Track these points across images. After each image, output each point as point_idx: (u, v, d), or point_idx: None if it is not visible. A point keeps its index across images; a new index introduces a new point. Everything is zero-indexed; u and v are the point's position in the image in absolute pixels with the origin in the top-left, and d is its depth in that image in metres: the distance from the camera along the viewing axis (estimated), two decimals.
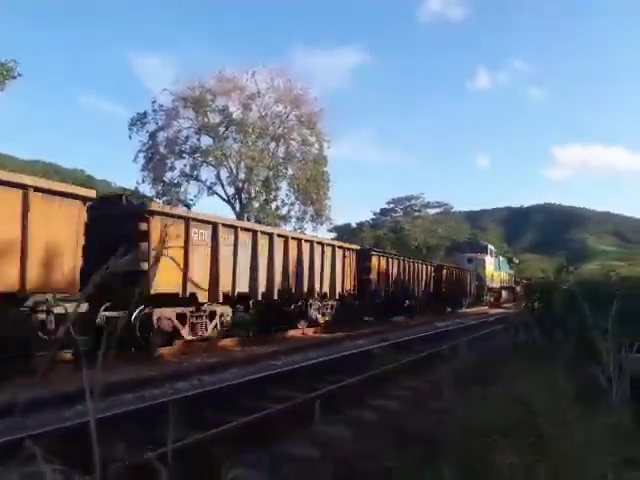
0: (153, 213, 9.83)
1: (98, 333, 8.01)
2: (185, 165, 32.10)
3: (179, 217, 10.50)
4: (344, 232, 57.36)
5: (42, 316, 7.47)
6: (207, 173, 32.65)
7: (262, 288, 12.61)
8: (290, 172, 32.71)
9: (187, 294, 10.31)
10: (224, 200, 32.94)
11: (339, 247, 16.98)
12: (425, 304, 25.10)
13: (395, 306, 21.70)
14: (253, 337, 12.93)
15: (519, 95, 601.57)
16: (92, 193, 8.51)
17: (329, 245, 16.36)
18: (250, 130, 31.31)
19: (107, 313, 8.91)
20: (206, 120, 31.70)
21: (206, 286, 10.85)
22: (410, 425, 4.14)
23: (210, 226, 11.11)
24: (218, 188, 32.81)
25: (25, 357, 6.97)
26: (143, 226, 9.63)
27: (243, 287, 11.97)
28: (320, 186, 32.93)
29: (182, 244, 10.25)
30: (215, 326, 11.31)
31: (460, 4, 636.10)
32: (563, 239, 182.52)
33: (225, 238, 11.43)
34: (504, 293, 42.02)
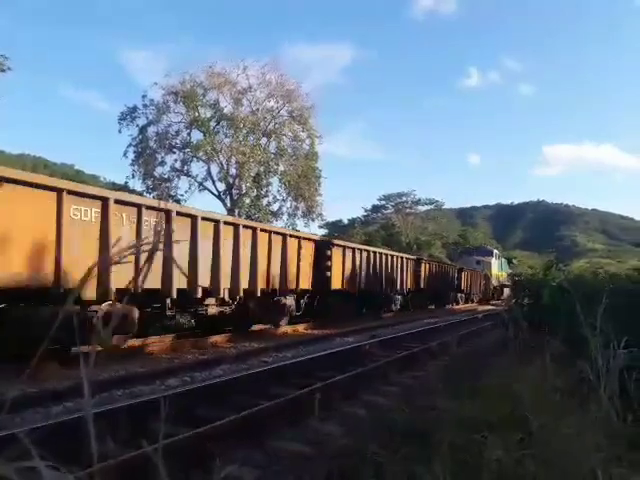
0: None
1: None
2: (175, 160, 32.03)
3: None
4: (336, 228, 57.46)
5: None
6: (198, 168, 32.62)
7: (177, 284, 9.66)
8: (281, 168, 32.70)
9: None
10: (215, 196, 32.86)
11: (292, 236, 14.41)
12: (403, 301, 23.54)
13: (365, 304, 19.92)
14: (244, 333, 12.89)
15: (510, 93, 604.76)
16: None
17: (278, 234, 13.67)
18: (241, 125, 31.24)
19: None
20: (197, 115, 31.57)
21: None
22: (400, 420, 4.16)
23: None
24: (209, 184, 32.76)
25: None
26: None
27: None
28: (311, 182, 32.96)
29: None
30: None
31: (451, 1, 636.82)
32: (552, 236, 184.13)
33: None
34: (506, 290, 42.94)
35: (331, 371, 7.36)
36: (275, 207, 33.56)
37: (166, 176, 32.05)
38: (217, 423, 4.43)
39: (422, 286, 26.12)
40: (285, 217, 33.59)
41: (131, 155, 31.29)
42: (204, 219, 10.57)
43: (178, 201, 30.78)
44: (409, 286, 24.30)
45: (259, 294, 12.36)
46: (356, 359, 8.60)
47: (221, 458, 3.16)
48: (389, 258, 22.02)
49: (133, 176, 31.27)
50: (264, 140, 33.04)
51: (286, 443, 4.47)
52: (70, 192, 7.77)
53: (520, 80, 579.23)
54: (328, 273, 15.87)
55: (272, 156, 32.71)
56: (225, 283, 11.20)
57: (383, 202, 63.61)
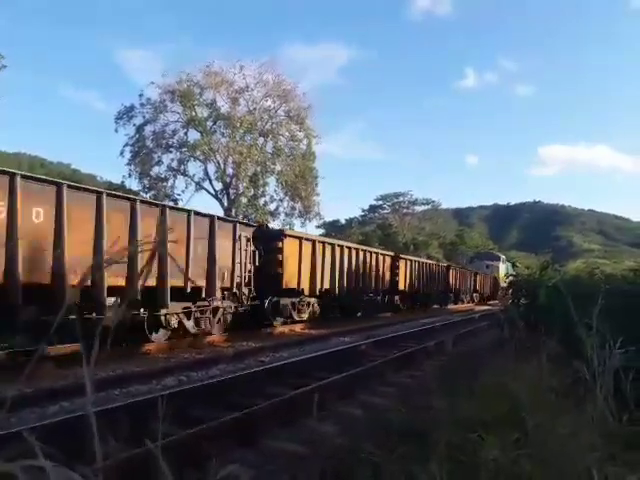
0: None
1: None
2: (172, 159, 32.01)
3: None
4: (333, 228, 57.47)
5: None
6: (195, 168, 32.60)
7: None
8: (278, 168, 32.72)
9: None
10: (212, 195, 32.83)
11: (222, 219, 12.06)
12: (376, 303, 21.73)
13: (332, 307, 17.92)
14: (241, 333, 12.87)
15: (506, 94, 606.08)
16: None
17: (202, 216, 11.13)
18: (238, 125, 31.21)
19: None
20: (194, 114, 31.55)
21: None
22: (396, 420, 4.16)
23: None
24: (206, 183, 32.74)
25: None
26: None
27: None
28: (308, 182, 32.99)
29: None
30: None
31: (448, 1, 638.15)
32: (549, 237, 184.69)
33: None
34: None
35: (327, 371, 7.36)
36: (272, 207, 33.60)
37: (163, 175, 32.06)
38: (212, 423, 4.43)
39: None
40: (282, 217, 33.63)
41: (128, 154, 31.29)
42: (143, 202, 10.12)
43: (175, 201, 30.77)
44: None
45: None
46: (352, 359, 8.61)
47: (217, 458, 3.16)
48: (373, 256, 20.36)
49: (130, 175, 31.27)
50: (261, 140, 33.06)
51: (281, 443, 4.47)
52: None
53: (517, 81, 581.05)
54: (280, 270, 13.93)
55: (269, 156, 32.72)
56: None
57: (380, 202, 63.68)
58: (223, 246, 11.62)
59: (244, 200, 32.17)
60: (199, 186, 32.66)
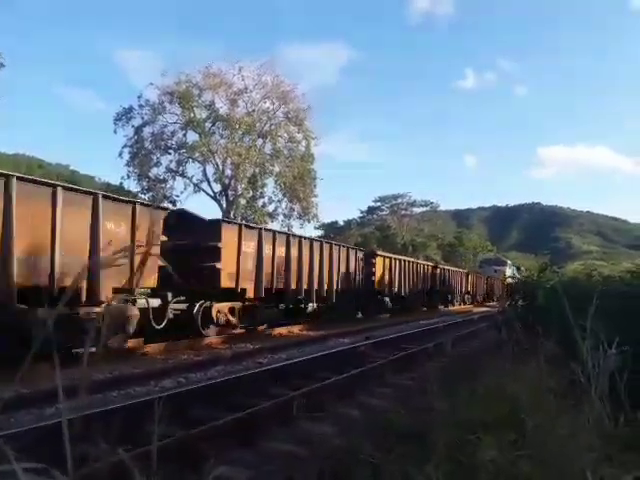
0: None
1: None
2: (171, 161, 32.01)
3: None
4: (331, 230, 57.50)
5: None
6: (193, 169, 32.60)
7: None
8: (277, 169, 32.74)
9: None
10: (210, 197, 32.83)
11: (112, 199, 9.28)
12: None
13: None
14: (240, 335, 12.86)
15: (505, 94, 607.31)
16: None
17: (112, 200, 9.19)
18: (237, 126, 31.25)
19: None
20: (192, 115, 31.56)
21: None
22: (395, 421, 4.17)
23: None
24: (204, 185, 32.75)
25: None
26: None
27: None
28: (307, 184, 33.00)
29: None
30: None
31: (448, 2, 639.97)
32: (548, 238, 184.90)
33: None
34: None
35: (326, 372, 7.35)
36: (271, 208, 33.61)
37: (161, 177, 32.05)
38: (210, 424, 4.43)
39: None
40: (280, 218, 33.64)
41: (126, 156, 31.27)
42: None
43: (174, 202, 30.76)
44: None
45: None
46: (351, 360, 8.60)
47: (215, 458, 3.16)
48: (342, 252, 17.72)
49: (128, 177, 31.24)
50: (260, 141, 33.08)
51: (279, 444, 4.47)
52: None
53: (516, 81, 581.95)
54: (219, 265, 11.66)
55: (268, 157, 32.74)
56: None
57: (379, 204, 63.72)
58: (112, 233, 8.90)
59: (243, 201, 32.19)
60: (198, 187, 32.69)
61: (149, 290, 10.34)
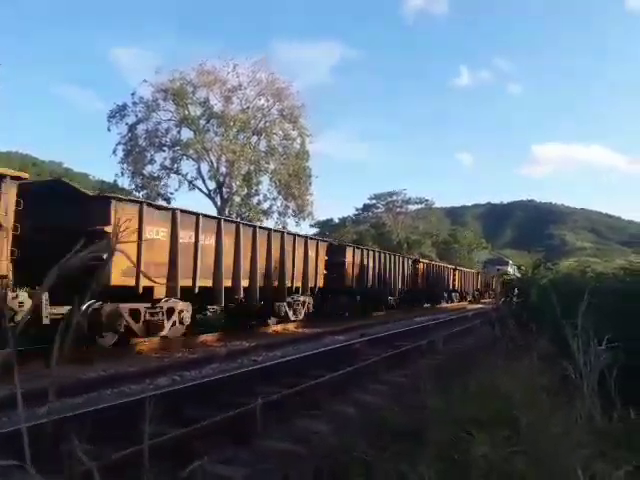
0: None
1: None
2: (165, 158, 31.83)
3: None
4: (326, 227, 57.46)
5: None
6: (188, 167, 32.43)
7: None
8: (272, 167, 32.63)
9: None
10: (205, 194, 32.72)
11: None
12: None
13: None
14: (235, 332, 12.84)
15: (501, 93, 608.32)
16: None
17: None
18: (231, 123, 31.10)
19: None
20: (187, 113, 31.41)
21: None
22: (389, 418, 4.18)
23: None
24: (199, 182, 32.59)
25: None
26: None
27: None
28: (302, 181, 32.91)
29: None
30: None
31: (443, 0, 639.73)
32: (542, 235, 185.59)
33: None
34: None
35: (322, 369, 7.36)
36: (265, 206, 33.50)
37: (155, 174, 31.86)
38: (204, 422, 4.42)
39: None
40: (275, 216, 33.57)
41: (120, 153, 31.06)
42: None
43: (168, 200, 30.66)
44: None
45: None
46: (346, 358, 8.62)
47: (209, 456, 3.16)
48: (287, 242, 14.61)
49: (122, 174, 31.06)
50: (254, 139, 32.95)
51: (274, 442, 4.47)
52: None
53: (511, 80, 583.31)
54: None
55: (262, 155, 32.62)
56: None
57: (374, 201, 63.62)
58: None
59: (237, 199, 32.08)
60: (192, 185, 32.53)
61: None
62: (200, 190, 32.70)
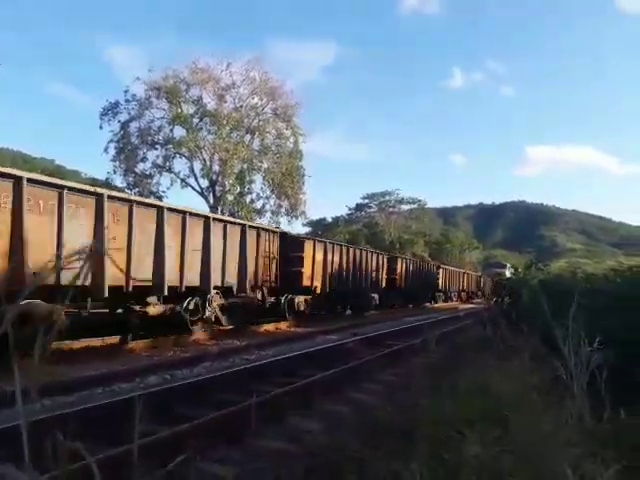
0: None
1: None
2: (158, 156, 31.75)
3: None
4: (319, 227, 57.48)
5: None
6: (180, 165, 32.36)
7: None
8: (265, 165, 32.63)
9: None
10: (198, 193, 32.63)
11: None
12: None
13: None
14: (227, 331, 12.81)
15: (493, 94, 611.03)
16: None
17: None
18: (224, 122, 31.05)
19: None
20: (179, 111, 31.31)
21: None
22: (381, 417, 4.19)
23: None
24: (191, 180, 32.52)
25: None
26: None
27: None
28: (295, 180, 32.92)
29: None
30: None
31: (436, 1, 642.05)
32: (533, 236, 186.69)
33: None
34: None
35: (313, 369, 7.36)
36: (258, 205, 33.49)
37: (148, 172, 31.77)
38: (195, 422, 4.41)
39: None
40: (268, 215, 33.55)
41: (112, 151, 30.95)
42: None
43: (160, 197, 30.53)
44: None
45: None
46: (338, 357, 8.62)
47: (200, 456, 3.15)
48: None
49: (114, 172, 30.94)
50: (248, 137, 32.91)
51: (267, 441, 4.46)
52: None
53: (504, 82, 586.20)
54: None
55: (256, 153, 32.60)
56: None
57: (367, 201, 63.69)
58: None
59: (230, 198, 32.02)
60: (185, 183, 32.46)
61: None
62: (193, 188, 32.66)
